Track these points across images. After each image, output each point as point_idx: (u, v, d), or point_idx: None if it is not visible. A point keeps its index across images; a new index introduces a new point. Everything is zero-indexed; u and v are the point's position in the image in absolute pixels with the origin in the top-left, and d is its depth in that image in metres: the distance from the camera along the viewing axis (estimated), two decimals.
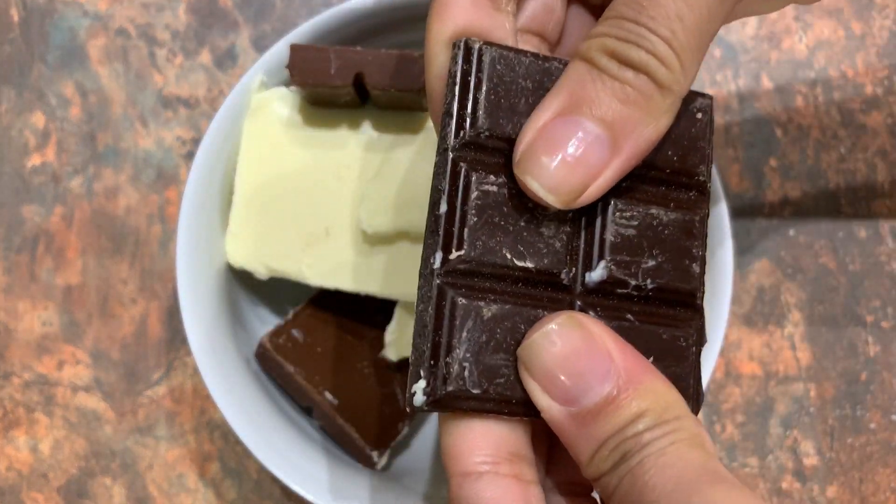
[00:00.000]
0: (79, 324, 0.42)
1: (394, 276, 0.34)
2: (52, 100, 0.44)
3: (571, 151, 0.21)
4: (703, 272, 0.24)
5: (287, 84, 0.35)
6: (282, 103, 0.35)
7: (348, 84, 0.32)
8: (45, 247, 0.43)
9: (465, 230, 0.22)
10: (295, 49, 0.32)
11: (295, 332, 0.37)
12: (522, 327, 0.22)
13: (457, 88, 0.22)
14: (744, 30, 0.44)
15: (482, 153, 0.22)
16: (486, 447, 0.22)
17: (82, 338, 0.42)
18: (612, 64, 0.21)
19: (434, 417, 0.42)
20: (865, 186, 0.43)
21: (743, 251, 0.42)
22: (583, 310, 0.23)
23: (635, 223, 0.23)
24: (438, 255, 0.22)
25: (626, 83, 0.21)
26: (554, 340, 0.21)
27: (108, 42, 0.44)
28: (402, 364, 0.38)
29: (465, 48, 0.22)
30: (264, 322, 0.40)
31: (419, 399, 0.21)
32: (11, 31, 0.44)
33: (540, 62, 0.23)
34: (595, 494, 0.24)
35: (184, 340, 0.42)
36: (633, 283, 0.23)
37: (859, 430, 0.41)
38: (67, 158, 0.43)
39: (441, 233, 0.22)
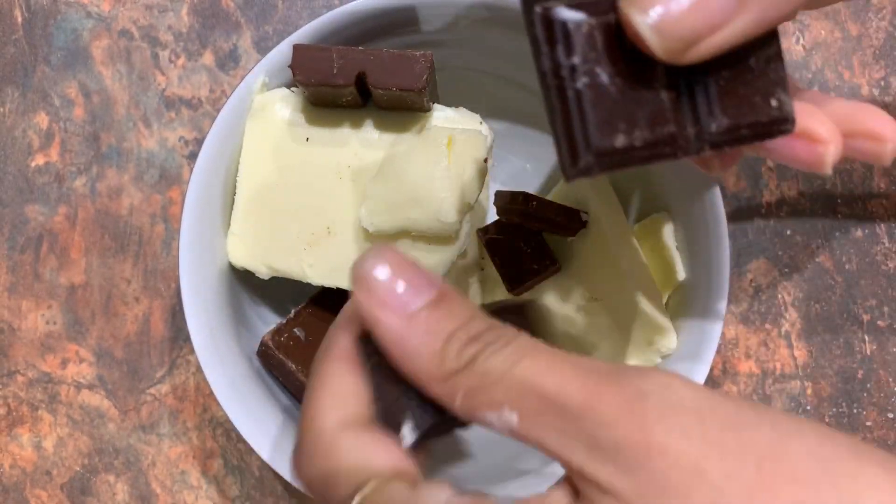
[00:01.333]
0: (82, 322, 0.43)
1: None
2: (55, 100, 0.44)
3: None
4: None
5: (289, 85, 0.36)
6: (283, 104, 0.35)
7: (351, 84, 0.32)
8: (49, 246, 0.43)
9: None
10: (298, 49, 0.33)
11: (297, 331, 0.37)
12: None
13: None
14: None
15: None
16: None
17: (86, 336, 0.43)
18: None
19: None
20: (862, 186, 0.43)
21: (740, 250, 0.43)
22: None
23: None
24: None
25: None
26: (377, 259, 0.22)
27: (111, 43, 0.45)
28: None
29: None
30: (266, 321, 0.40)
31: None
32: (15, 31, 0.45)
33: None
34: None
35: (186, 339, 0.42)
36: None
37: (856, 428, 0.42)
38: (71, 159, 0.44)
39: None
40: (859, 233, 0.43)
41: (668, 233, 0.38)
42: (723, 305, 0.35)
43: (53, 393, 0.42)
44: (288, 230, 0.35)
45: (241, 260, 0.36)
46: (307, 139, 0.35)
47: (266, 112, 0.35)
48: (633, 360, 0.36)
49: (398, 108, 0.34)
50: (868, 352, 0.42)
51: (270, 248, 0.35)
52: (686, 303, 0.37)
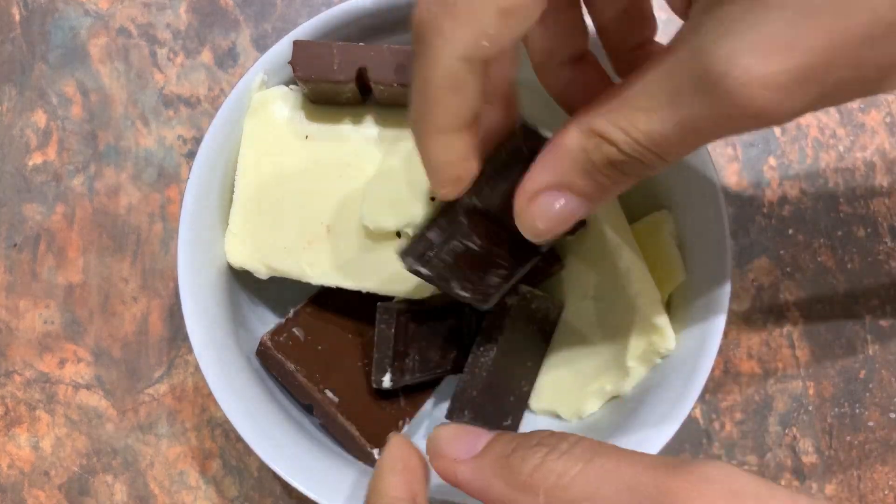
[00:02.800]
0: (80, 322, 0.42)
1: (395, 273, 0.34)
2: (53, 99, 0.44)
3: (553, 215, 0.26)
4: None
5: (288, 83, 0.36)
6: (283, 102, 0.35)
7: (351, 80, 0.32)
8: (47, 245, 0.43)
9: None
10: (298, 44, 0.32)
11: (296, 331, 0.37)
12: None
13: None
14: None
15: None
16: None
17: (84, 336, 0.42)
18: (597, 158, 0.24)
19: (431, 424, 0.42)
20: (864, 185, 0.43)
21: (742, 250, 0.43)
22: None
23: None
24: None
25: (605, 177, 0.25)
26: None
27: (109, 41, 0.44)
28: None
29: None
30: (265, 321, 0.40)
31: None
32: (13, 30, 0.44)
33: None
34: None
35: (185, 338, 0.42)
36: None
37: (858, 428, 0.42)
38: (69, 157, 0.44)
39: None
40: (861, 232, 0.43)
41: (669, 231, 0.37)
42: (724, 305, 0.34)
43: (51, 393, 0.42)
44: (287, 229, 0.35)
45: (240, 259, 0.35)
46: (306, 137, 0.35)
47: (265, 110, 0.35)
48: (632, 361, 0.36)
49: (398, 104, 0.34)
50: (870, 352, 0.42)
51: (269, 248, 0.35)
52: (687, 302, 0.36)
